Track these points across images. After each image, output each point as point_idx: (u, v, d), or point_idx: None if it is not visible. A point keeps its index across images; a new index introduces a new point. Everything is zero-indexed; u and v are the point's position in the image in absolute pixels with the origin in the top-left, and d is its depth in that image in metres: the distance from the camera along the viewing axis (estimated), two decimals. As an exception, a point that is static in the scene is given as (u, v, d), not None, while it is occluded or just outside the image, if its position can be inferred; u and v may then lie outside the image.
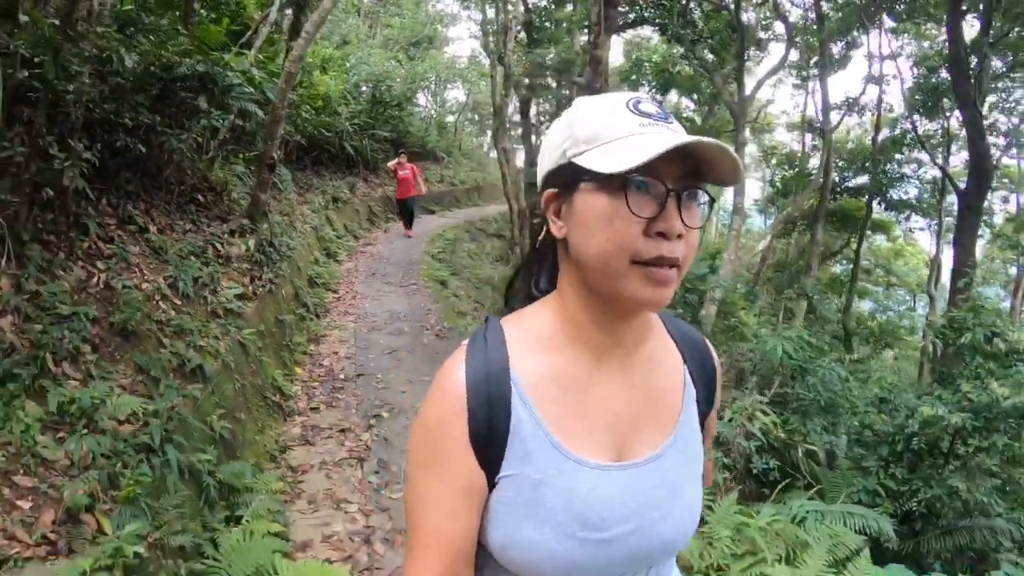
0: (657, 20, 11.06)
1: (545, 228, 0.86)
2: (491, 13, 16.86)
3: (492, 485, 0.81)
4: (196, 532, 2.55)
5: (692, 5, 11.08)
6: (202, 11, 5.74)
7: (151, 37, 4.82)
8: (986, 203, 15.92)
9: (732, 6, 10.43)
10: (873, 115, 14.34)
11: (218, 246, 5.29)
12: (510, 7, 13.92)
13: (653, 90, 15.49)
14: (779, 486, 5.53)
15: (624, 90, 15.80)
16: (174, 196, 5.26)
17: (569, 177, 0.79)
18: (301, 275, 7.26)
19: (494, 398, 0.80)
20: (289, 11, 8.87)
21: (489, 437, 0.80)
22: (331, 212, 11.26)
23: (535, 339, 0.85)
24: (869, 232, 22.34)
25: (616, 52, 19.89)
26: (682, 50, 12.33)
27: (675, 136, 0.73)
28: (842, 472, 7.41)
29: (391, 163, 12.27)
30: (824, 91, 10.94)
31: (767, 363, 6.92)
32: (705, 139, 0.72)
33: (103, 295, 3.43)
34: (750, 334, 8.28)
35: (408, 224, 12.26)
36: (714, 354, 1.00)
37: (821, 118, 11.53)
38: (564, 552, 0.79)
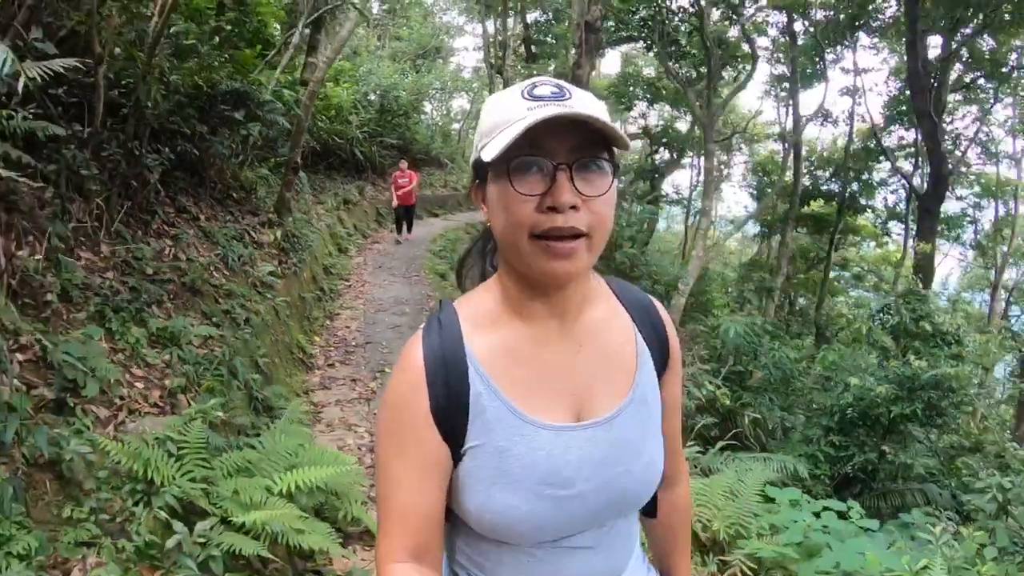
0: (642, 38, 12.08)
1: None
2: (492, 28, 18.01)
3: (459, 457, 0.86)
4: (251, 421, 3.61)
5: (676, 24, 12.04)
6: (240, 41, 6.80)
7: (201, 62, 5.91)
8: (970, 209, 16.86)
9: (701, 27, 11.47)
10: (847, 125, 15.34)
11: (252, 234, 6.37)
12: (509, 23, 15.03)
13: (644, 102, 16.52)
14: (718, 444, 6.50)
15: (613, 103, 16.84)
16: (215, 192, 6.34)
17: (481, 169, 0.85)
18: (318, 264, 8.34)
19: (451, 373, 0.85)
20: (307, 29, 10.01)
21: (450, 410, 0.84)
22: (342, 212, 12.34)
23: (484, 316, 0.90)
24: (858, 239, 23.27)
25: (615, 65, 20.89)
26: (670, 64, 13.38)
27: (541, 112, 0.76)
28: (792, 443, 8.40)
29: (396, 173, 12.17)
30: (795, 105, 11.98)
31: (721, 343, 7.94)
32: (571, 111, 0.76)
33: (173, 263, 4.50)
34: (714, 323, 9.31)
35: (408, 228, 12.41)
36: (663, 313, 1.03)
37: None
38: (535, 511, 0.85)
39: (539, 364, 0.89)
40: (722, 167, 18.59)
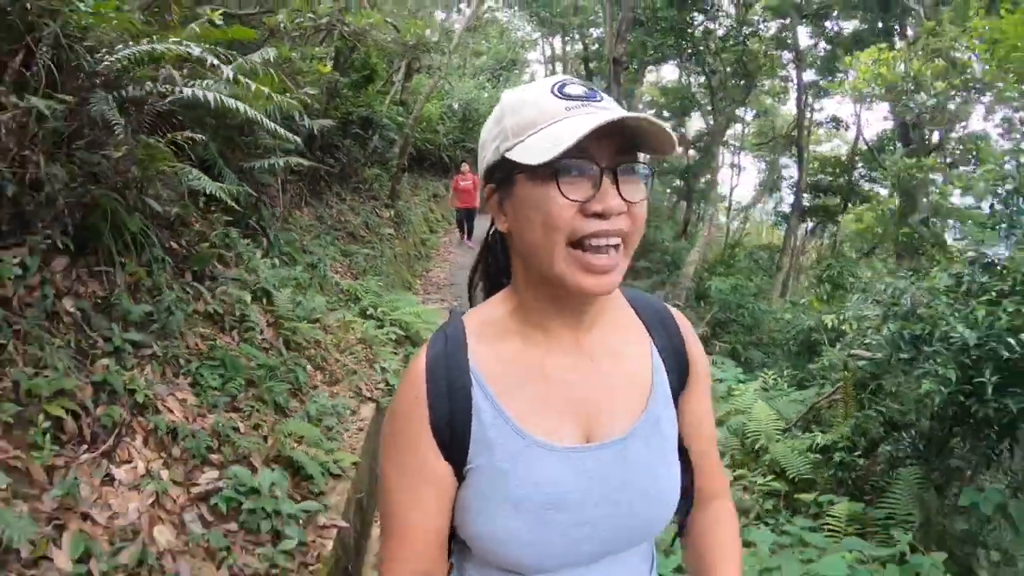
0: (675, 57, 14.62)
1: (492, 223, 0.88)
2: (558, 47, 20.89)
3: (461, 477, 0.83)
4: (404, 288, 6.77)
5: (706, 44, 14.45)
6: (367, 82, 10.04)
7: (346, 99, 9.19)
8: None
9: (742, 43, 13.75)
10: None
11: (376, 213, 9.61)
12: (567, 43, 17.86)
13: (671, 113, 18.90)
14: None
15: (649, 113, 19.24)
16: (351, 184, 9.60)
17: (505, 171, 0.79)
18: (416, 237, 11.55)
19: (454, 390, 0.82)
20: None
21: (450, 427, 0.81)
22: (432, 203, 15.60)
23: (493, 330, 0.87)
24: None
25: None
26: (702, 79, 15.74)
27: (598, 116, 0.72)
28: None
29: (457, 176, 12.35)
30: (800, 110, 14.19)
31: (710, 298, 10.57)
32: (630, 114, 0.72)
33: (339, 221, 7.72)
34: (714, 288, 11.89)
35: (469, 234, 12.41)
36: (680, 321, 0.97)
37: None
38: (539, 538, 0.80)
39: (548, 380, 0.85)
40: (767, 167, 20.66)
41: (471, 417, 0.82)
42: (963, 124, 11.34)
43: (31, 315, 2.25)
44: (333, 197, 8.47)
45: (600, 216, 0.75)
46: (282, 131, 3.76)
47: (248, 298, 3.63)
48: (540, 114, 0.76)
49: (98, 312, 2.58)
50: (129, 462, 2.24)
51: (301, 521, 2.46)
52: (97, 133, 2.83)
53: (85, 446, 2.15)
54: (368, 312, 5.36)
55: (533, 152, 0.74)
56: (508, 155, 0.77)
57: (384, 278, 6.92)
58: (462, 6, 15.00)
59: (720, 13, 11.37)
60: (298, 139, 4.27)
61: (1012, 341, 2.65)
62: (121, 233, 2.86)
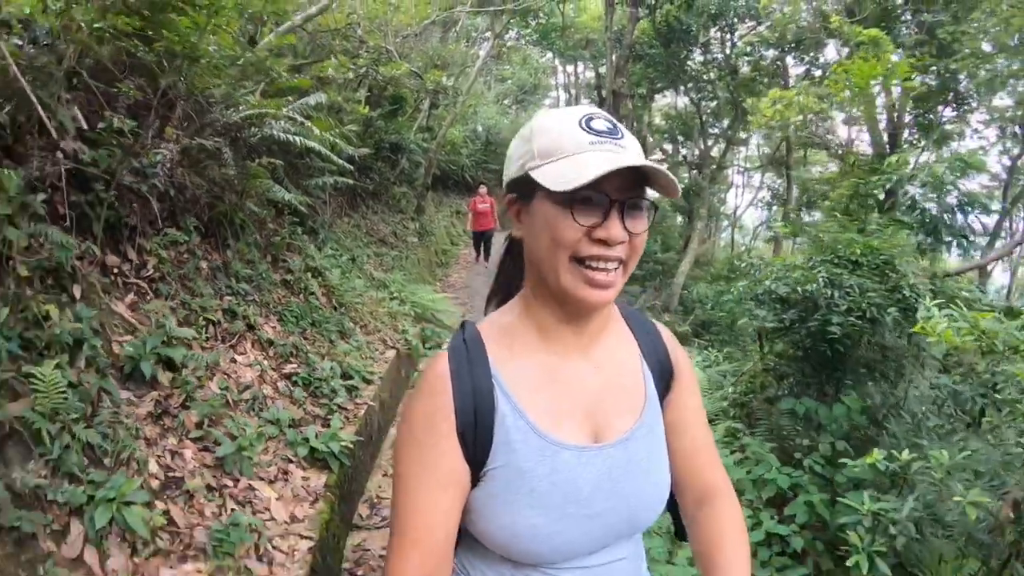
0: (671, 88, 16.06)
1: (510, 233, 0.96)
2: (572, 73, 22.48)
3: (478, 478, 0.89)
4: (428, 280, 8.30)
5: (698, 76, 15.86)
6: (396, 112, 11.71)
7: (379, 128, 10.85)
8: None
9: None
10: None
11: (403, 224, 11.21)
12: (582, 72, 19.41)
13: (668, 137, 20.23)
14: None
15: (655, 141, 20.66)
16: (381, 200, 11.23)
17: (527, 187, 0.87)
18: (439, 247, 13.12)
19: (479, 395, 0.88)
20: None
21: (475, 431, 0.87)
22: (455, 219, 17.21)
23: (510, 338, 0.94)
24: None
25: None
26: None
27: (617, 158, 0.81)
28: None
29: (475, 198, 12.31)
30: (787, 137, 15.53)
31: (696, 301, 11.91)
32: (639, 162, 0.81)
33: (371, 231, 9.32)
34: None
35: (486, 255, 12.47)
36: (665, 335, 1.08)
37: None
38: (559, 531, 0.88)
39: (561, 386, 0.93)
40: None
41: (494, 420, 0.88)
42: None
43: (185, 268, 3.79)
44: (368, 210, 10.10)
45: (603, 243, 0.83)
46: (334, 157, 5.33)
47: (309, 275, 5.19)
48: (567, 143, 0.84)
49: (221, 271, 4.13)
50: (244, 354, 3.76)
51: (348, 394, 3.97)
52: (217, 159, 4.40)
53: (220, 342, 3.67)
54: (393, 295, 6.88)
55: (555, 178, 0.82)
56: (532, 173, 0.85)
57: (407, 274, 8.47)
58: (484, 42, 16.66)
59: (710, 46, 12.76)
60: (343, 163, 5.83)
61: (811, 288, 4.04)
62: (232, 223, 4.43)
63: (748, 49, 11.70)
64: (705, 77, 14.15)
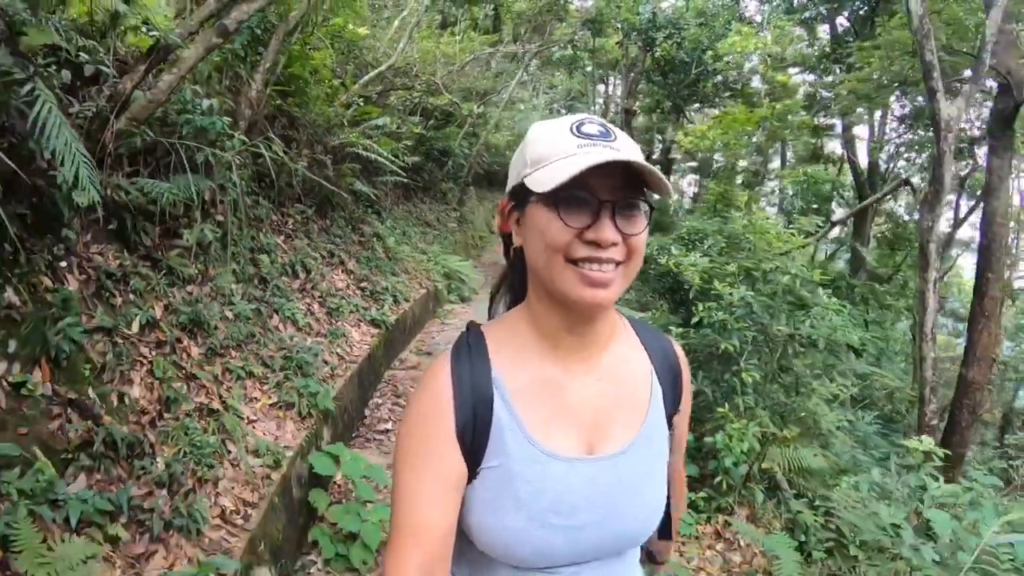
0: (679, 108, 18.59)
1: (511, 239, 0.98)
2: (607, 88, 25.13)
3: (473, 476, 0.91)
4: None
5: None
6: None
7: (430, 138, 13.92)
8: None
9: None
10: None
11: (446, 213, 14.27)
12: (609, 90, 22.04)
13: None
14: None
15: (683, 158, 23.18)
16: (430, 194, 14.30)
17: (522, 194, 0.90)
18: (476, 233, 16.15)
19: (478, 397, 0.90)
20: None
21: (474, 432, 0.90)
22: (495, 212, 20.23)
23: (512, 344, 0.96)
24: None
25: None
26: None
27: (599, 156, 0.81)
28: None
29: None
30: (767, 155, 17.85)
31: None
32: (621, 157, 0.81)
33: (419, 217, 12.40)
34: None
35: None
36: (680, 354, 1.09)
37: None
38: (539, 537, 0.90)
39: (560, 396, 0.94)
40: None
41: (491, 422, 0.90)
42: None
43: (308, 226, 6.85)
44: (418, 200, 13.20)
45: (595, 244, 0.84)
46: (392, 165, 8.40)
47: (374, 239, 8.26)
48: (556, 149, 0.86)
49: (325, 231, 7.21)
50: (338, 275, 6.84)
51: (394, 302, 7.03)
52: (324, 166, 7.47)
53: (326, 266, 6.74)
54: (430, 259, 9.91)
55: (543, 181, 0.84)
56: (525, 181, 0.88)
57: (444, 248, 11.52)
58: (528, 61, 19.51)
59: (709, 69, 15.25)
60: (398, 168, 8.88)
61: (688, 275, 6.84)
62: (331, 204, 7.51)
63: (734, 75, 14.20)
64: (717, 98, 16.67)
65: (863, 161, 14.72)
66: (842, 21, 14.18)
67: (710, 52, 11.92)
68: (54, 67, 3.06)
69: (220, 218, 4.37)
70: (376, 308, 6.61)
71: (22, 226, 2.72)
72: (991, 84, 8.95)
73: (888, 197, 15.15)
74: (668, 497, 1.05)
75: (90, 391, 2.72)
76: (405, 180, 10.27)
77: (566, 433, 0.94)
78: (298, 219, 6.55)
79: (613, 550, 0.97)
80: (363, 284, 7.00)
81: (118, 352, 2.95)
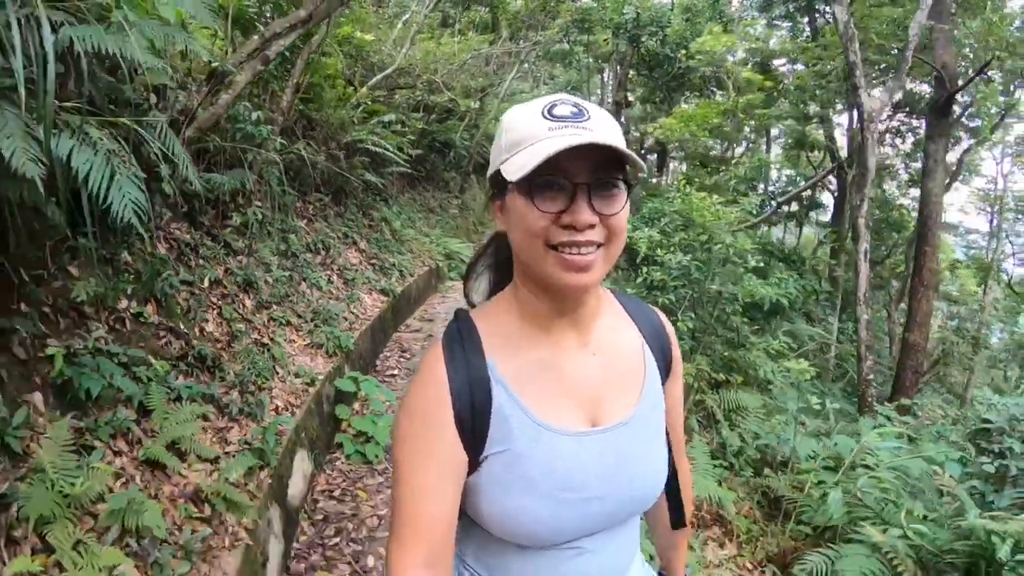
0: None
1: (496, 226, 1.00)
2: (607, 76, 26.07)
3: (476, 464, 0.92)
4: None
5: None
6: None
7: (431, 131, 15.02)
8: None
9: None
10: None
11: (448, 201, 15.38)
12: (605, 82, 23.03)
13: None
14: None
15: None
16: (432, 183, 15.41)
17: (501, 183, 0.90)
18: (476, 218, 17.26)
19: (475, 384, 0.91)
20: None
21: (473, 420, 0.90)
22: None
23: (504, 329, 0.97)
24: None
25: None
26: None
27: (570, 139, 0.81)
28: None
29: None
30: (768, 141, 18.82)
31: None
32: (593, 140, 0.81)
33: (423, 203, 13.53)
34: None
35: None
36: (667, 324, 1.12)
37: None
38: (554, 515, 0.91)
39: (557, 374, 0.96)
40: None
41: (491, 408, 0.91)
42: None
43: (325, 211, 7.99)
44: (422, 188, 14.32)
45: (571, 228, 0.84)
46: (397, 156, 9.53)
47: (383, 223, 9.40)
48: (527, 134, 0.86)
49: (340, 215, 8.35)
50: (352, 252, 7.99)
51: (400, 276, 8.19)
52: (338, 159, 8.60)
53: (342, 244, 7.89)
54: (432, 241, 11.04)
55: (515, 169, 0.84)
56: (501, 168, 0.88)
57: (445, 232, 12.64)
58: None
59: (683, 66, 16.17)
60: (403, 159, 9.99)
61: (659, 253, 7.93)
62: (344, 192, 8.66)
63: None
64: (705, 89, 17.63)
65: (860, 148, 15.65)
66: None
67: (683, 51, 12.90)
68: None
69: (259, 204, 5.52)
70: (385, 280, 7.76)
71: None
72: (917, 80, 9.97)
73: (877, 184, 16.13)
74: (675, 480, 1.14)
75: (181, 324, 3.87)
76: (410, 171, 11.37)
77: (568, 409, 0.95)
78: (317, 206, 7.69)
79: (620, 519, 0.99)
80: (373, 260, 8.15)
81: (197, 299, 4.11)
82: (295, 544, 3.53)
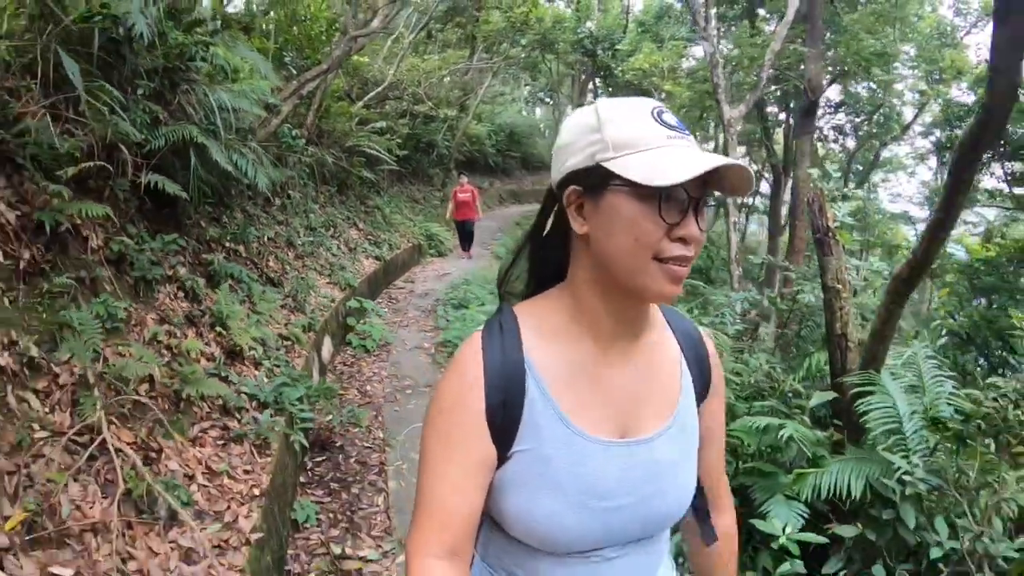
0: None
1: (553, 221, 0.94)
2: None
3: (503, 460, 0.90)
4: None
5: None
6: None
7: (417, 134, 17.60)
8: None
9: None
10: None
11: (431, 193, 17.97)
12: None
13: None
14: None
15: None
16: (418, 178, 17.99)
17: (598, 179, 0.85)
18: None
19: (510, 379, 0.89)
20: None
21: (504, 415, 0.88)
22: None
23: (548, 326, 0.94)
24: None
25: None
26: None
27: (705, 156, 0.81)
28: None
29: (456, 188, 13.23)
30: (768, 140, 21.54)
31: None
32: (732, 161, 0.82)
33: (409, 196, 16.14)
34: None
35: (468, 245, 13.49)
36: (708, 342, 1.08)
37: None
38: (576, 521, 0.90)
39: (595, 380, 0.93)
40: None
41: (523, 404, 0.89)
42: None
43: (331, 200, 10.58)
44: (408, 183, 16.92)
45: (682, 241, 0.83)
46: (388, 157, 12.16)
47: (376, 209, 12.02)
48: (646, 135, 0.83)
49: (343, 203, 10.96)
50: (353, 232, 10.62)
51: (390, 248, 10.85)
52: (340, 159, 11.19)
53: (346, 224, 10.51)
54: (416, 224, 13.65)
55: (646, 171, 0.79)
56: (608, 165, 0.83)
57: (427, 218, 15.27)
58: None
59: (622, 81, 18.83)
60: (391, 159, 12.59)
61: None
62: (347, 185, 11.27)
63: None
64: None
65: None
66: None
67: (620, 68, 15.53)
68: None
69: (291, 192, 8.15)
70: (378, 251, 10.40)
71: (224, 193, 6.50)
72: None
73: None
74: (702, 497, 1.11)
75: (256, 258, 6.50)
76: (398, 168, 13.95)
77: (601, 416, 0.93)
78: (326, 195, 10.30)
79: (645, 532, 0.98)
80: (369, 236, 10.78)
81: (263, 246, 6.74)
82: (327, 376, 6.20)
